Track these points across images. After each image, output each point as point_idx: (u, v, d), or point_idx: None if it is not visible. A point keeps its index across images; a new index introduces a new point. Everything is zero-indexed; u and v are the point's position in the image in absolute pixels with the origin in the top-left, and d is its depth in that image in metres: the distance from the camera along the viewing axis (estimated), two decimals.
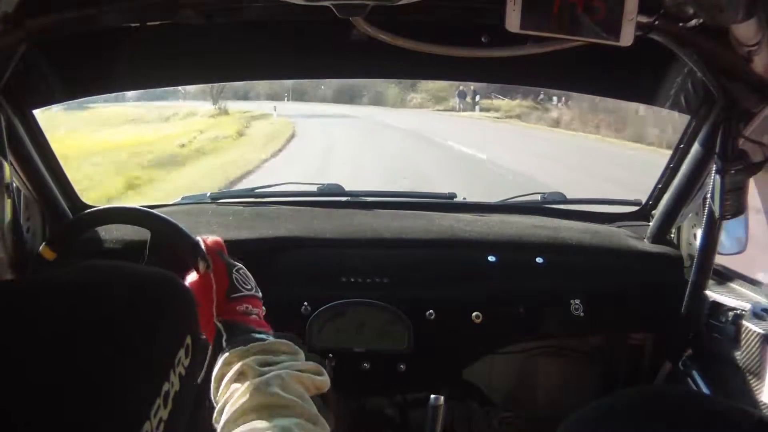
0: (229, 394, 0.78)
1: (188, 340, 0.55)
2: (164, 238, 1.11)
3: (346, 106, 23.02)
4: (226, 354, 0.86)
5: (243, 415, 0.73)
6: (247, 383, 0.77)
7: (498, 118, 20.21)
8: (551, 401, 1.85)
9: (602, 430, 0.60)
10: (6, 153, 1.40)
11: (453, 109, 22.03)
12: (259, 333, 0.92)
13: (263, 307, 1.01)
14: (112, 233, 1.61)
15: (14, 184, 1.48)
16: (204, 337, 0.61)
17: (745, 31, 0.99)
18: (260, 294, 1.02)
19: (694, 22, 1.09)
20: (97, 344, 0.45)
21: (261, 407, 0.73)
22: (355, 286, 1.61)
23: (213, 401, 0.83)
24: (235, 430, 0.72)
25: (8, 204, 1.32)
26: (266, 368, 0.80)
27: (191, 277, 1.01)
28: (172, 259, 1.02)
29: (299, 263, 1.63)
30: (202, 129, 15.32)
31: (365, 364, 1.61)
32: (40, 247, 1.15)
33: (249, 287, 1.01)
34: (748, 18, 0.94)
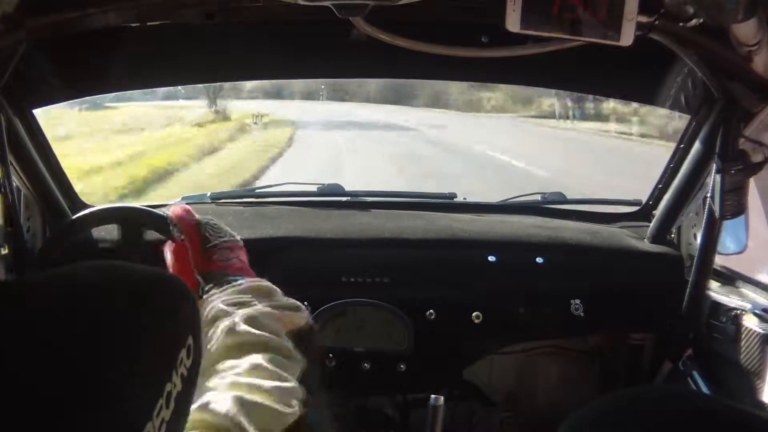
0: (206, 339, 0.78)
1: (190, 340, 0.55)
2: (135, 224, 1.16)
3: (395, 109, 16.71)
4: (201, 300, 0.86)
5: (216, 358, 0.73)
6: (219, 326, 0.77)
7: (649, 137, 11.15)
8: (551, 401, 1.85)
9: (602, 430, 0.60)
10: (6, 152, 1.40)
11: (545, 116, 14.87)
12: (235, 277, 0.92)
13: (237, 248, 1.02)
14: (112, 233, 1.61)
15: (14, 184, 1.48)
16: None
17: (745, 31, 0.99)
18: (238, 238, 1.03)
19: (694, 21, 1.09)
20: (97, 345, 0.45)
21: (232, 347, 0.73)
22: (355, 286, 1.61)
23: None
24: (208, 377, 0.71)
25: (2, 196, 1.33)
26: (237, 309, 0.80)
27: (168, 248, 1.04)
28: (148, 242, 1.06)
29: (299, 263, 1.63)
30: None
31: (365, 364, 1.61)
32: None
33: (221, 235, 1.02)
34: (748, 18, 0.94)
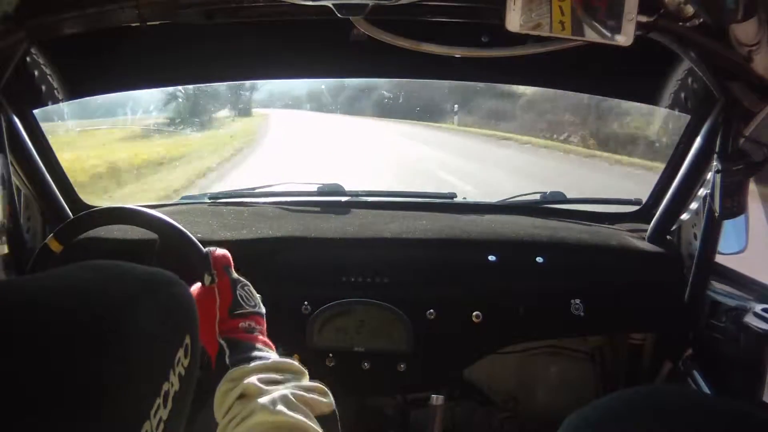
0: (234, 412, 0.78)
1: (187, 340, 0.55)
2: (173, 246, 1.09)
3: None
4: (230, 371, 0.86)
5: None
6: (252, 402, 0.77)
7: None
8: (551, 401, 1.85)
9: (602, 430, 0.60)
10: (6, 153, 1.41)
11: None
12: (263, 351, 0.92)
13: (263, 321, 1.01)
14: (112, 233, 1.61)
15: (14, 184, 1.49)
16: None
17: (745, 30, 0.99)
18: (264, 311, 1.02)
19: (694, 21, 1.09)
20: (96, 344, 0.45)
21: (267, 426, 0.73)
22: (355, 286, 1.61)
23: (216, 418, 0.82)
24: None
25: (2, 196, 1.31)
26: (271, 387, 0.80)
27: (195, 289, 1.01)
28: (178, 267, 1.03)
29: (299, 263, 1.63)
30: None
31: (365, 364, 1.61)
32: (48, 238, 1.14)
33: (253, 304, 1.00)
34: (748, 18, 0.94)
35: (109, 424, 0.43)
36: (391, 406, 1.81)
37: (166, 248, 1.12)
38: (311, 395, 0.80)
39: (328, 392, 0.83)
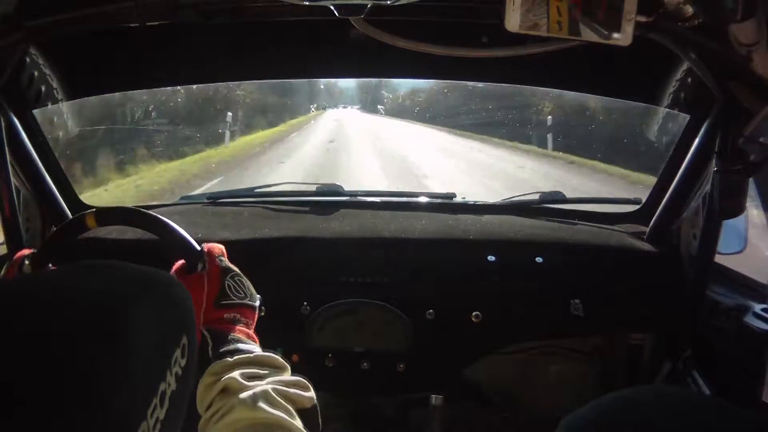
0: (215, 407, 0.77)
1: (184, 340, 0.55)
2: (170, 245, 1.06)
3: None
4: (213, 364, 0.84)
5: (229, 431, 0.73)
6: (233, 398, 0.76)
7: None
8: (551, 401, 1.85)
9: (602, 430, 0.60)
10: (6, 153, 1.41)
11: None
12: (246, 344, 0.89)
13: (260, 313, 0.99)
14: (111, 233, 1.61)
15: (13, 184, 1.49)
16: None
17: (744, 30, 0.99)
18: (255, 303, 0.99)
19: (693, 21, 1.09)
20: (94, 344, 0.45)
21: (246, 423, 0.73)
22: (354, 286, 1.61)
23: (198, 410, 0.82)
24: None
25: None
26: (252, 383, 0.79)
27: (177, 267, 0.99)
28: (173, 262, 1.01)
29: (299, 263, 1.63)
30: None
31: (365, 364, 1.61)
32: (87, 212, 1.13)
33: (242, 295, 0.97)
34: (748, 17, 0.93)
35: (106, 425, 0.43)
36: (390, 406, 1.81)
37: (165, 248, 1.09)
38: (293, 390, 0.79)
39: (310, 386, 0.82)
